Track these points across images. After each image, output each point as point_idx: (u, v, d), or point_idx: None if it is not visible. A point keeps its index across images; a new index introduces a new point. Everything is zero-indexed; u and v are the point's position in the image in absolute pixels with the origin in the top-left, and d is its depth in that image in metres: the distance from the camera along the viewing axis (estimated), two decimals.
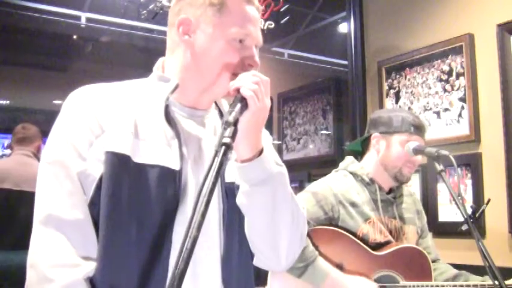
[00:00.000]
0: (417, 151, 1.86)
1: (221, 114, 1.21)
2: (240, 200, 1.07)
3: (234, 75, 1.06)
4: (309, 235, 1.76)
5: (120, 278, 0.99)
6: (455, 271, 1.92)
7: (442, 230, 2.07)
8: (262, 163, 1.04)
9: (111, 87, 1.12)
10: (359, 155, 2.02)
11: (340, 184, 1.88)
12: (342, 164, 2.00)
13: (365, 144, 1.99)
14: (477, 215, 1.63)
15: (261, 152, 1.05)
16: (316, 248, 1.75)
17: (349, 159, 1.98)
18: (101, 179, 1.00)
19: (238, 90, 1.00)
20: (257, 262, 1.16)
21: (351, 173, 1.93)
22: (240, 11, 1.09)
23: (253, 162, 1.03)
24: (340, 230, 1.80)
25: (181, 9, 1.11)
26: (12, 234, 2.86)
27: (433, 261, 1.95)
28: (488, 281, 1.78)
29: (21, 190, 2.95)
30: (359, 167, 1.92)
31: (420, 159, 1.89)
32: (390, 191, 1.95)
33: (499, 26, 2.54)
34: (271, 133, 4.39)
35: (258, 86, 1.00)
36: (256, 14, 1.12)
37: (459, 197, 1.62)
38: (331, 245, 1.78)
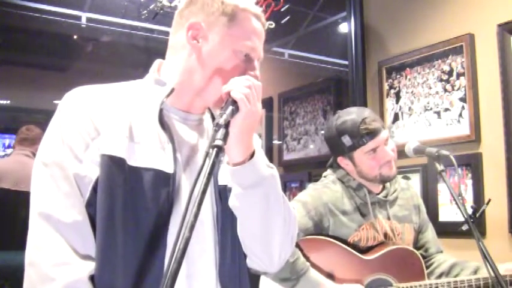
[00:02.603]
0: (417, 151, 1.85)
1: (213, 118, 1.22)
2: (233, 202, 1.09)
3: None
4: (299, 246, 1.75)
5: (116, 278, 1.00)
6: (451, 262, 1.90)
7: (442, 230, 2.07)
8: (254, 166, 1.05)
9: (106, 88, 1.12)
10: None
11: (330, 192, 1.85)
12: (329, 170, 1.97)
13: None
14: (477, 215, 1.63)
15: (252, 154, 1.06)
16: (307, 258, 1.74)
17: (334, 166, 1.95)
18: (97, 181, 1.02)
19: (229, 94, 1.02)
20: (250, 263, 1.17)
21: (338, 179, 1.90)
22: (249, 24, 1.12)
23: (245, 165, 1.05)
24: (329, 239, 1.79)
25: (192, 12, 1.12)
26: (11, 234, 2.86)
27: (434, 255, 1.95)
28: (481, 269, 1.79)
29: (19, 190, 2.96)
30: (344, 173, 1.89)
31: (393, 154, 1.82)
32: (382, 188, 1.91)
33: (500, 26, 2.54)
34: (271, 133, 4.41)
35: (249, 90, 1.02)
36: (262, 30, 1.15)
37: (459, 197, 1.62)
38: (321, 254, 1.77)
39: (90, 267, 0.99)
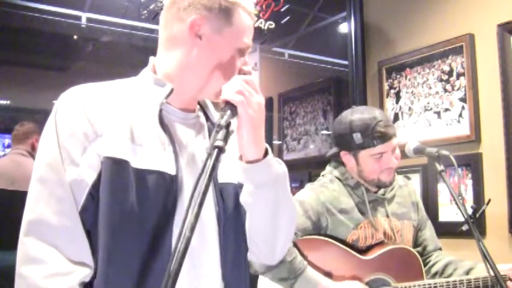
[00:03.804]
0: (417, 151, 1.85)
1: (206, 115, 1.23)
2: (244, 198, 1.10)
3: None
4: (296, 246, 1.74)
5: (120, 279, 1.00)
6: (445, 261, 1.90)
7: (442, 230, 2.07)
8: (268, 164, 1.07)
9: (103, 87, 1.11)
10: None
11: (328, 191, 1.85)
12: (327, 168, 1.97)
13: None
14: (477, 215, 1.63)
15: (266, 152, 1.08)
16: (305, 258, 1.74)
17: (333, 163, 1.95)
18: (93, 186, 1.01)
19: (227, 102, 1.02)
20: (251, 257, 1.18)
21: (336, 177, 1.90)
22: (246, 22, 1.13)
23: (261, 163, 1.06)
24: (327, 239, 1.79)
25: (191, 5, 1.10)
26: (9, 234, 2.85)
27: (431, 253, 1.95)
28: (476, 268, 1.79)
29: (15, 190, 2.95)
30: (344, 171, 1.89)
31: (396, 162, 1.82)
32: (380, 187, 1.91)
33: (500, 26, 2.54)
34: (271, 133, 4.40)
35: (246, 84, 1.03)
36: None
37: (459, 197, 1.62)
38: (319, 254, 1.77)
39: (82, 274, 0.98)
